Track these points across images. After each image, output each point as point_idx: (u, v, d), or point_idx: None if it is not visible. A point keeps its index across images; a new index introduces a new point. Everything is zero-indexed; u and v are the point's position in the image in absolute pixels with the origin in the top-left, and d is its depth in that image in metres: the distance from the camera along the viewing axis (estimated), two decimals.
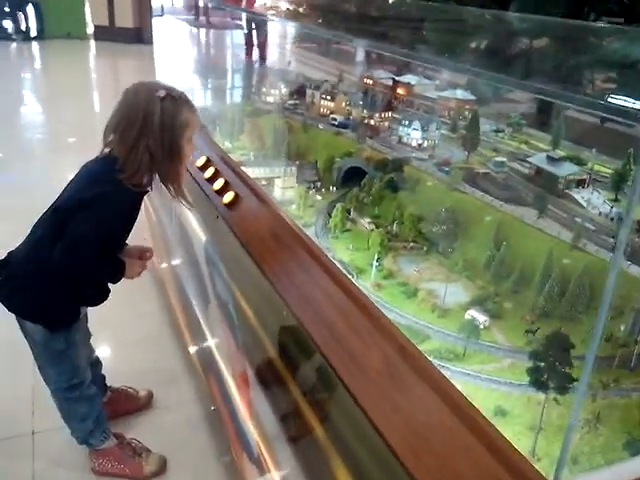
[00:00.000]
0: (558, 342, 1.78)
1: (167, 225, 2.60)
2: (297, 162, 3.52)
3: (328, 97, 4.00)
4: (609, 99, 1.06)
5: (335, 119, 3.88)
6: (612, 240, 2.28)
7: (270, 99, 4.41)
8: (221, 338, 1.93)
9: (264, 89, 4.46)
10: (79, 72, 8.94)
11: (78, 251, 1.43)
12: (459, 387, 0.98)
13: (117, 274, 1.57)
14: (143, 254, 1.70)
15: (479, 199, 2.87)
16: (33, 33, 10.73)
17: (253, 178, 1.96)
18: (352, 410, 1.00)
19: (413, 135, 3.44)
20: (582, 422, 1.66)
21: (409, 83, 3.77)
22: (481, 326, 2.24)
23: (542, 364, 1.76)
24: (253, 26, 4.22)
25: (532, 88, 1.41)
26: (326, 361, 1.10)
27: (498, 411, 1.83)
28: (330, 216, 3.09)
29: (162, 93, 1.43)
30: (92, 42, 11.06)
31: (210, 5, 4.36)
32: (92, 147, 1.57)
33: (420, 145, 3.43)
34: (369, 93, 3.91)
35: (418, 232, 2.83)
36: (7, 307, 1.56)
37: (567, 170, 2.74)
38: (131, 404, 2.08)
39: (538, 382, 1.77)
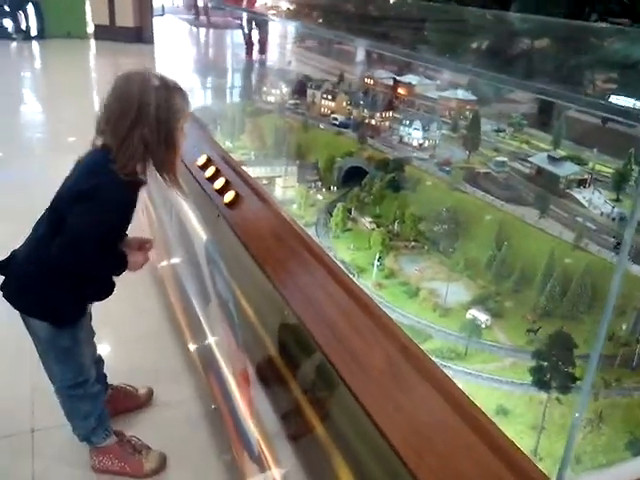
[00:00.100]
0: (561, 342, 1.78)
1: (167, 224, 2.59)
2: (298, 162, 3.51)
3: (329, 97, 3.99)
4: (610, 99, 1.06)
5: (336, 119, 3.88)
6: (613, 240, 2.28)
7: (271, 99, 4.40)
8: (221, 336, 1.93)
9: (265, 89, 4.45)
10: (79, 71, 8.93)
11: (78, 247, 1.42)
12: (461, 386, 0.98)
13: (119, 267, 1.56)
14: (143, 245, 1.69)
15: (480, 199, 2.87)
16: (33, 32, 10.72)
17: (254, 177, 1.96)
18: (354, 409, 1.00)
19: (414, 135, 3.44)
20: (585, 421, 1.65)
21: (410, 83, 3.77)
22: (482, 325, 2.24)
23: (545, 364, 1.76)
24: (253, 26, 4.22)
25: (534, 88, 1.41)
26: (327, 360, 1.10)
27: (500, 410, 1.83)
28: (331, 215, 3.09)
29: (156, 82, 1.42)
30: (92, 41, 11.05)
31: (210, 5, 4.36)
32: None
33: (421, 145, 3.43)
34: (370, 93, 3.90)
35: (419, 232, 2.83)
36: (13, 305, 1.56)
37: (568, 170, 2.74)
38: (131, 402, 2.07)
39: (541, 381, 1.77)
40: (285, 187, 3.37)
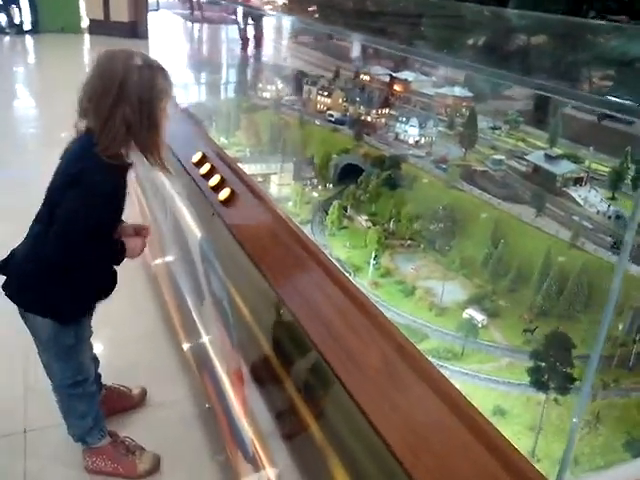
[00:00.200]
0: (559, 342, 1.77)
1: (162, 222, 2.58)
2: (293, 159, 3.49)
3: (325, 93, 3.97)
4: (607, 97, 1.05)
5: (332, 115, 3.86)
6: (610, 239, 2.28)
7: (266, 95, 4.38)
8: (216, 335, 1.92)
9: (260, 85, 4.43)
10: (73, 66, 8.85)
11: (68, 235, 1.40)
12: (458, 387, 0.97)
13: (118, 254, 1.55)
14: (139, 231, 1.68)
15: (477, 197, 2.86)
16: (27, 27, 10.63)
17: (249, 175, 1.94)
18: (349, 409, 0.99)
19: (410, 132, 3.43)
20: (582, 423, 1.65)
21: (406, 80, 3.75)
22: (479, 325, 2.23)
23: (543, 364, 1.75)
24: (249, 21, 4.19)
25: (533, 84, 1.40)
26: (323, 359, 1.09)
27: (497, 411, 1.82)
28: (327, 213, 3.07)
29: (139, 61, 1.40)
30: (87, 36, 10.97)
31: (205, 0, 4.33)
32: None
33: (417, 142, 3.41)
34: (366, 89, 3.88)
35: (415, 230, 2.82)
36: (15, 303, 1.55)
37: (565, 168, 2.74)
38: (125, 402, 2.06)
39: (539, 382, 1.76)
40: (280, 184, 3.36)
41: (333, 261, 1.39)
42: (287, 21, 3.89)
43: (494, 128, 3.32)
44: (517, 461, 0.85)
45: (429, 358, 1.06)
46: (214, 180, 1.84)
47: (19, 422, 1.95)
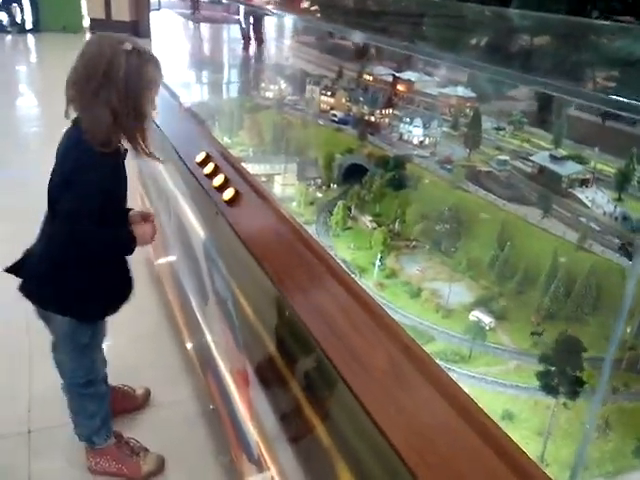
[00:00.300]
0: (569, 345, 1.75)
1: (165, 222, 2.57)
2: (297, 158, 3.48)
3: (328, 93, 3.96)
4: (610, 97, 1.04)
5: (335, 115, 3.84)
6: (618, 241, 2.26)
7: (269, 94, 4.37)
8: (220, 336, 1.91)
9: (263, 84, 4.42)
10: None
11: (74, 234, 1.39)
12: (465, 390, 0.97)
13: (128, 243, 1.53)
14: (146, 217, 1.68)
15: (482, 197, 2.84)
16: (28, 25, 10.62)
17: (253, 174, 1.93)
18: (355, 410, 0.98)
19: (414, 132, 3.41)
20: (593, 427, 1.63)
21: (409, 80, 3.74)
22: (486, 327, 2.21)
23: (552, 368, 1.73)
24: (251, 20, 4.17)
25: (537, 82, 1.39)
26: (328, 360, 1.08)
27: (505, 415, 1.80)
28: (331, 214, 3.05)
29: (128, 46, 1.36)
30: (88, 35, 10.97)
31: None
32: None
33: (421, 142, 3.40)
34: (369, 89, 3.87)
35: (420, 230, 2.81)
36: (35, 303, 1.55)
37: (570, 169, 2.72)
38: (129, 403, 2.06)
39: (548, 386, 1.73)
40: (284, 184, 3.34)
41: (338, 261, 1.38)
42: (290, 20, 3.88)
43: (498, 129, 3.30)
44: (526, 465, 0.84)
45: (436, 360, 1.06)
46: (218, 180, 1.83)
47: (23, 423, 1.94)
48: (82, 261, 1.47)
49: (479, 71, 1.86)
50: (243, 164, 2.03)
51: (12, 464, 1.81)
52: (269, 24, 4.28)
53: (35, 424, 1.95)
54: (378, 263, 2.64)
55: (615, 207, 2.45)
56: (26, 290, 1.54)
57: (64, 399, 1.73)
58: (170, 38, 5.10)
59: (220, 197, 1.76)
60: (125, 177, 1.55)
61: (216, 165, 1.94)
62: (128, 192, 1.60)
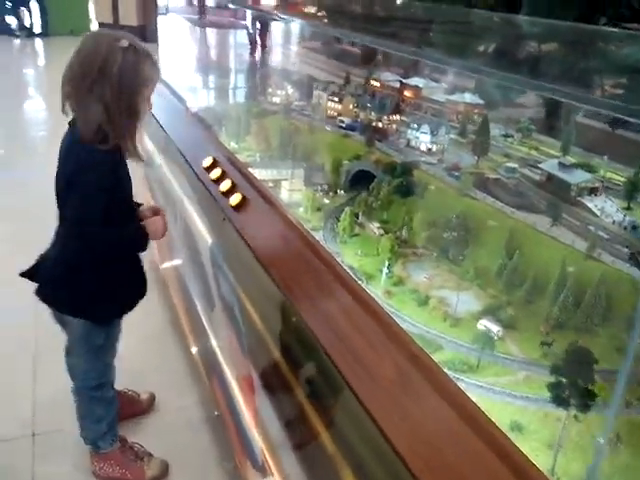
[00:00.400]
0: (580, 357, 1.73)
1: (172, 226, 2.56)
2: (304, 164, 3.47)
3: (335, 99, 3.96)
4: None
5: (343, 121, 3.84)
6: (627, 250, 2.25)
7: (276, 100, 4.37)
8: (225, 342, 1.90)
9: (270, 89, 4.42)
10: None
11: (83, 235, 1.39)
12: (473, 400, 0.95)
13: (140, 239, 1.52)
14: (156, 211, 1.67)
15: (490, 205, 2.83)
16: (37, 30, 10.71)
17: (260, 180, 1.92)
18: (361, 418, 0.97)
19: (422, 139, 3.41)
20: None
21: (417, 86, 3.74)
22: (495, 337, 2.19)
23: (564, 380, 1.70)
24: (258, 25, 4.18)
25: (546, 88, 1.38)
26: (335, 367, 1.07)
27: (514, 426, 1.77)
28: (338, 220, 3.04)
29: (125, 43, 1.35)
30: None
31: (214, 3, 4.33)
32: None
33: (429, 149, 3.39)
34: (377, 96, 3.87)
35: (428, 238, 2.79)
36: (51, 306, 1.54)
37: (579, 177, 2.70)
38: (134, 407, 2.04)
39: (559, 398, 1.71)
40: (291, 190, 3.33)
41: (345, 268, 1.37)
42: (297, 25, 3.88)
43: (506, 136, 3.29)
44: (537, 478, 0.83)
45: (444, 370, 1.04)
46: (225, 185, 1.82)
47: (28, 426, 1.93)
48: (96, 263, 1.47)
49: (487, 77, 1.85)
50: (250, 169, 2.02)
51: (16, 467, 1.79)
52: (276, 29, 4.29)
53: (40, 427, 1.94)
54: (385, 270, 2.63)
55: (624, 216, 2.43)
56: (42, 294, 1.53)
57: (69, 403, 1.71)
58: (177, 42, 5.12)
59: (227, 202, 1.74)
60: (127, 174, 1.54)
61: (223, 170, 1.93)
62: (134, 194, 1.60)
